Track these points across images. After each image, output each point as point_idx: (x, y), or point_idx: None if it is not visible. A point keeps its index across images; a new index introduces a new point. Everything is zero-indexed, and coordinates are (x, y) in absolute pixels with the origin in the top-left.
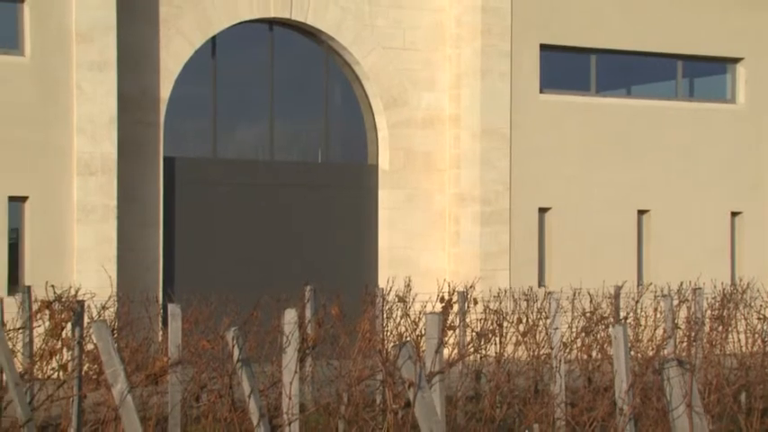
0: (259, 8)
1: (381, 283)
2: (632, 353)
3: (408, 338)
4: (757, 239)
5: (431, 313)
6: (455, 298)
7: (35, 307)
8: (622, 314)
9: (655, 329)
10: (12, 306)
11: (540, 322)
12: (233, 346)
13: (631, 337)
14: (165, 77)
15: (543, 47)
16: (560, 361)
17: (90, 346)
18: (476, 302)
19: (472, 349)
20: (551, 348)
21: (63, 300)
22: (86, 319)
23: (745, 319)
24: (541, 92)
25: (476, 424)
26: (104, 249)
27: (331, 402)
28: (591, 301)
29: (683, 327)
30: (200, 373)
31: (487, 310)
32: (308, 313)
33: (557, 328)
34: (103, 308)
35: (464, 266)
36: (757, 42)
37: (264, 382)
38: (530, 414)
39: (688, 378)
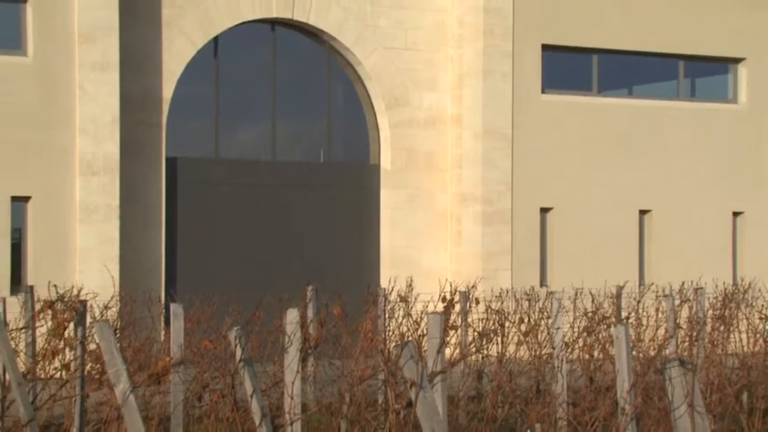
0: (261, 8)
1: (383, 282)
2: (634, 353)
3: (410, 338)
4: (759, 239)
5: (433, 313)
6: (457, 298)
7: (38, 307)
8: (624, 314)
9: (656, 329)
10: (14, 306)
11: (542, 322)
12: (235, 346)
13: (633, 337)
14: (167, 78)
15: (545, 47)
16: (562, 361)
17: (92, 346)
18: (477, 302)
19: (474, 349)
20: (553, 348)
21: (65, 300)
22: (89, 319)
23: (747, 318)
24: (543, 92)
25: (477, 424)
26: (107, 249)
27: (333, 402)
28: (593, 301)
29: (684, 326)
30: (202, 372)
31: (489, 310)
32: (310, 313)
33: (558, 328)
34: (106, 308)
35: (466, 266)
36: (759, 42)
37: (267, 381)
38: (531, 414)
39: (690, 378)
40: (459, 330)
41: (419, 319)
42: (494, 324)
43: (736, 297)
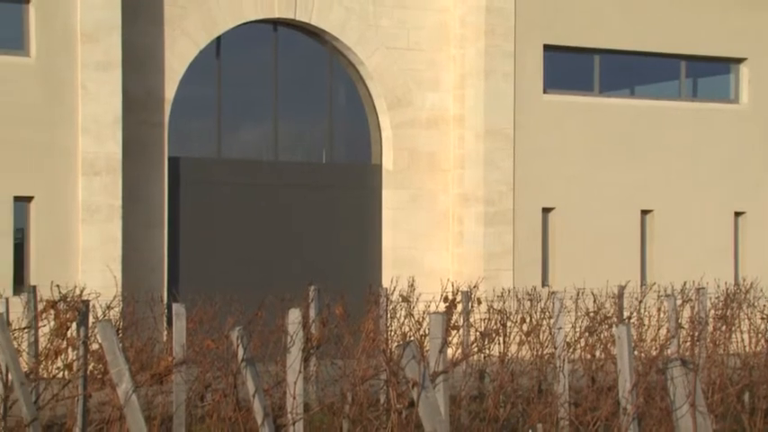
0: (263, 8)
1: (385, 283)
2: (636, 352)
3: (412, 338)
4: (760, 239)
5: (434, 313)
6: (459, 298)
7: (40, 307)
8: (626, 314)
9: (658, 329)
10: (17, 306)
11: (544, 322)
12: (237, 346)
13: (635, 337)
14: (169, 78)
15: (547, 47)
16: (564, 361)
17: (95, 346)
18: (479, 302)
19: (476, 349)
20: (555, 348)
21: (68, 299)
22: (91, 319)
23: (749, 318)
24: (545, 92)
25: (479, 423)
26: (109, 249)
27: (335, 402)
28: (594, 301)
29: (686, 326)
30: (204, 372)
31: (491, 310)
32: (312, 313)
33: (560, 328)
34: (108, 308)
35: (468, 266)
36: (760, 42)
37: (269, 381)
38: (533, 414)
39: (691, 378)
40: (460, 330)
41: (421, 319)
42: (496, 324)
43: (737, 297)
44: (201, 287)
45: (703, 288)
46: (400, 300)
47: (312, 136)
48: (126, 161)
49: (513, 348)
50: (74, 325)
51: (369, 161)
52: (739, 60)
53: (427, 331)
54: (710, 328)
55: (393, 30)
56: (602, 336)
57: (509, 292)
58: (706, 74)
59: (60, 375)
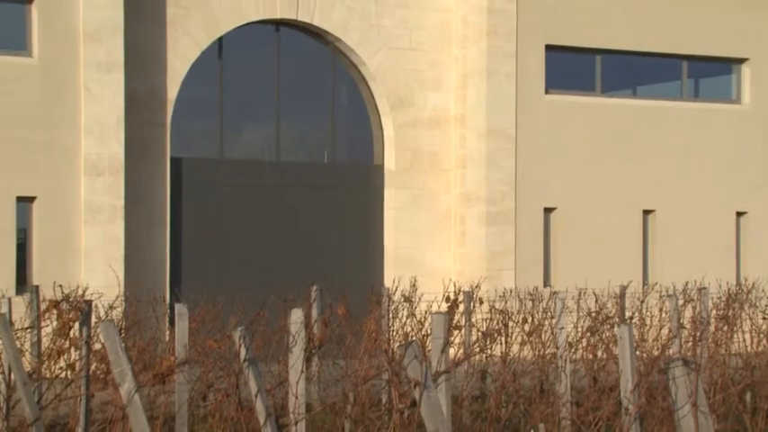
0: (265, 9)
1: (387, 282)
2: (637, 352)
3: (414, 338)
4: (762, 239)
5: (436, 313)
6: (461, 298)
7: (43, 306)
8: (628, 314)
9: (660, 329)
10: (20, 306)
11: (546, 322)
12: (240, 346)
13: (637, 337)
14: (172, 78)
15: (548, 47)
16: (566, 360)
17: (97, 346)
18: (481, 302)
19: (478, 349)
20: (557, 348)
21: (71, 299)
22: (94, 319)
23: (751, 318)
24: (547, 92)
25: (481, 423)
26: (112, 249)
27: (337, 402)
28: (596, 301)
29: (688, 326)
30: (207, 372)
31: (493, 310)
32: (314, 313)
33: (562, 328)
34: (111, 307)
35: (470, 266)
36: (762, 42)
37: (271, 381)
38: (535, 413)
39: (693, 378)
40: (462, 330)
41: (423, 319)
42: (497, 324)
43: (739, 297)
44: (204, 287)
45: (705, 288)
46: (402, 300)
47: (314, 136)
48: (128, 161)
49: (515, 348)
50: (76, 325)
51: (371, 161)
52: (741, 60)
53: (429, 331)
54: (712, 328)
55: (395, 30)
56: (603, 336)
57: (511, 291)
58: (708, 74)
59: (63, 375)
